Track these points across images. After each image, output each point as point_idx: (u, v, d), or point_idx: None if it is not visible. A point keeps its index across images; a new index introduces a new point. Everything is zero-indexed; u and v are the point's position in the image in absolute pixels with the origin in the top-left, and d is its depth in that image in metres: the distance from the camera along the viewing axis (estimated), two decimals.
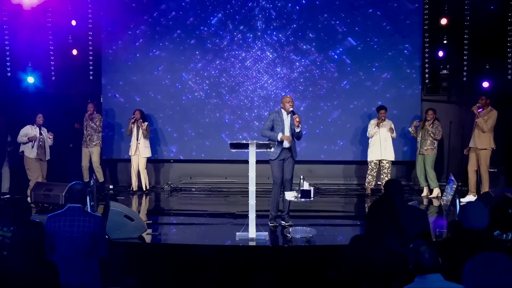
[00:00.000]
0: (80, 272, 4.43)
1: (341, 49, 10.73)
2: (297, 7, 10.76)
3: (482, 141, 9.16)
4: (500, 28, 9.81)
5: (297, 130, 7.49)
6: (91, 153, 10.46)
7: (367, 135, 10.04)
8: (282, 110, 7.64)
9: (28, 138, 9.54)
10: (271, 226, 7.50)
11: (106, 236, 4.89)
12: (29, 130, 9.63)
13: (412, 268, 3.42)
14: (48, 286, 3.89)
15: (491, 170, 9.35)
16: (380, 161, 9.93)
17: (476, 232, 3.92)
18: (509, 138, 9.49)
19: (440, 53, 10.26)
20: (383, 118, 9.79)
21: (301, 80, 10.81)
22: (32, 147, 9.60)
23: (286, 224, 7.53)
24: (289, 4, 10.75)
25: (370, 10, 10.64)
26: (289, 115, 7.55)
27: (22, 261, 3.87)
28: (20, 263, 3.87)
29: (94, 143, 10.45)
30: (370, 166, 10.03)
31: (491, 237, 4.20)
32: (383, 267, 3.84)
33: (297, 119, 7.42)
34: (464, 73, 10.19)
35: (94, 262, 4.55)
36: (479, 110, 9.17)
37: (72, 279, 4.40)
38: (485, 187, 9.06)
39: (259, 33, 10.81)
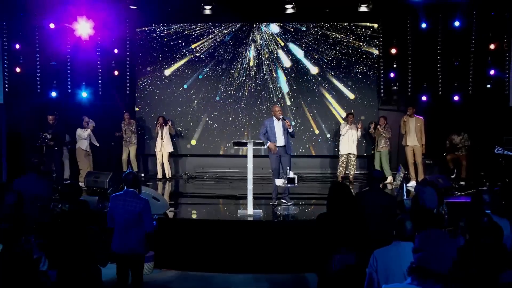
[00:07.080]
0: (131, 238, 4.55)
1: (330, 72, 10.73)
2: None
3: (417, 140, 9.19)
4: (433, 56, 9.94)
5: (290, 130, 7.44)
6: (130, 150, 10.33)
7: (340, 132, 9.99)
8: (273, 117, 7.50)
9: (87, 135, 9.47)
10: (271, 204, 7.47)
11: (152, 216, 4.82)
12: (82, 132, 9.48)
13: (396, 234, 3.28)
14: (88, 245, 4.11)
15: (428, 162, 9.34)
16: (348, 154, 9.86)
17: (428, 210, 3.87)
18: (439, 137, 9.57)
19: (392, 75, 10.35)
20: (351, 121, 9.78)
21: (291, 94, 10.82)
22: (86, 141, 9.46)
23: (288, 203, 7.46)
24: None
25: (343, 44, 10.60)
26: (280, 120, 7.43)
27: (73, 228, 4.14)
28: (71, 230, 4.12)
29: (132, 143, 10.32)
30: (341, 159, 9.96)
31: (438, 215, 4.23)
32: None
33: (288, 124, 7.39)
34: (409, 89, 10.31)
35: (141, 232, 4.61)
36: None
37: (126, 242, 4.55)
38: (421, 175, 9.04)
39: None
